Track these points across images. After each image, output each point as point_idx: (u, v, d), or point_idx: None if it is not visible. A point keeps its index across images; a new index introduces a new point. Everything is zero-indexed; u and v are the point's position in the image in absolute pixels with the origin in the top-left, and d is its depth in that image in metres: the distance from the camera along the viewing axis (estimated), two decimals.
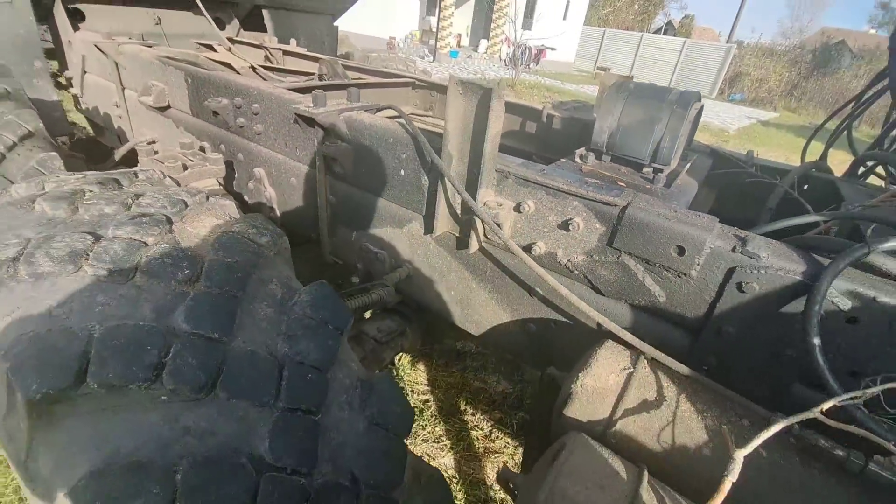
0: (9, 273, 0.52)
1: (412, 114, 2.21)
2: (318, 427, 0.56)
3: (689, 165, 1.44)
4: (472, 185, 1.00)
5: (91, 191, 0.71)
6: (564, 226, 0.96)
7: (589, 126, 1.86)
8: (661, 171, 1.21)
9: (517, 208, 1.00)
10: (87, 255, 0.56)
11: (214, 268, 0.61)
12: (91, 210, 0.65)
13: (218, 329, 0.55)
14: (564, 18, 22.12)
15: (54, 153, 1.52)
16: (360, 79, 2.11)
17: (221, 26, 3.30)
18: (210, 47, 2.82)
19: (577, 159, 1.30)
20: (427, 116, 2.26)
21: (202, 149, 1.67)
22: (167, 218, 0.68)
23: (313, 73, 2.35)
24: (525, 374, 2.24)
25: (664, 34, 34.62)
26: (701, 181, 1.47)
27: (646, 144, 1.22)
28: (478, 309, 1.19)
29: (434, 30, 17.50)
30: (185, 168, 1.54)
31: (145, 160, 1.66)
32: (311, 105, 1.25)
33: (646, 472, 0.61)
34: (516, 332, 1.14)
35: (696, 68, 23.59)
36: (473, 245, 1.07)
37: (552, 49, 19.41)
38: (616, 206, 0.89)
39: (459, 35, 20.09)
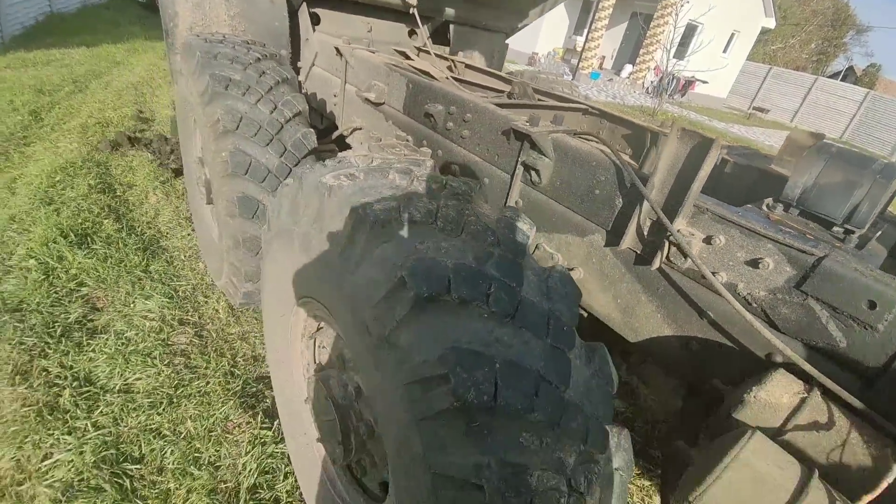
0: (394, 217, 0.84)
1: (583, 134, 2.40)
2: (569, 362, 0.79)
3: (879, 233, 1.44)
4: (668, 214, 1.17)
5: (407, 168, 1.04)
6: (753, 263, 1.08)
7: (766, 176, 1.89)
8: (853, 232, 1.26)
9: (707, 240, 1.14)
10: (436, 215, 0.86)
11: (506, 239, 0.89)
12: (421, 184, 0.97)
13: (514, 280, 0.82)
14: (725, 51, 20.44)
15: (311, 129, 2.00)
16: (541, 100, 2.36)
17: (413, 37, 3.83)
18: (405, 55, 3.31)
19: (764, 207, 1.39)
20: (592, 139, 2.44)
21: (418, 143, 2.04)
22: (471, 197, 0.99)
23: (497, 89, 2.66)
24: (640, 398, 2.31)
25: (843, 80, 30.10)
26: (889, 249, 1.46)
27: (841, 206, 1.28)
28: (641, 319, 1.35)
29: (578, 49, 17.38)
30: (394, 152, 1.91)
31: (367, 144, 2.09)
32: (528, 124, 1.51)
33: (816, 472, 0.74)
34: (676, 346, 1.27)
35: (878, 125, 20.25)
36: (655, 263, 1.24)
37: (704, 82, 18.09)
38: (813, 255, 1.00)
39: (603, 57, 19.69)
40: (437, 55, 3.50)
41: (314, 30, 3.11)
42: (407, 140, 2.05)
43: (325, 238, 0.94)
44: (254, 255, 1.90)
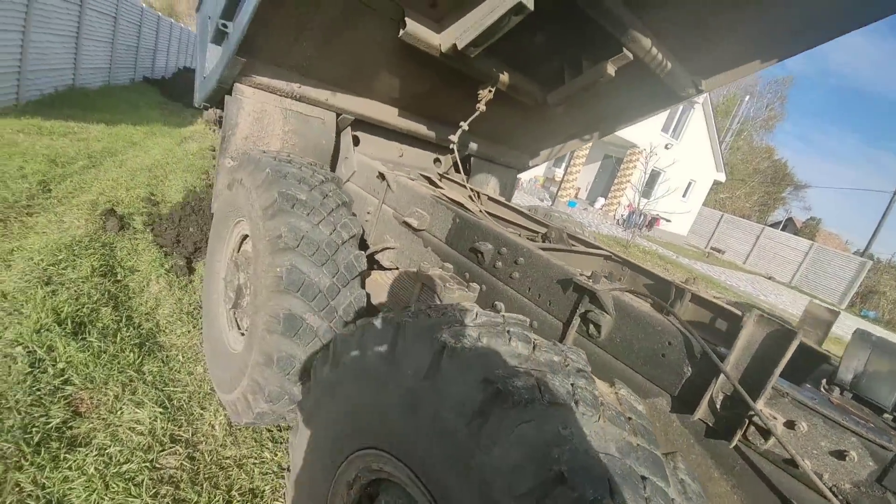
0: (536, 397, 0.83)
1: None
2: None
3: None
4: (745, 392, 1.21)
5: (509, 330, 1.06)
6: (839, 455, 1.10)
7: (803, 352, 2.00)
8: None
9: (790, 425, 1.16)
10: (574, 397, 0.86)
11: (641, 429, 0.89)
12: (544, 354, 0.98)
13: (663, 480, 0.80)
14: (684, 196, 22.98)
15: (363, 252, 2.04)
16: (573, 246, 2.53)
17: (438, 164, 4.17)
18: (430, 179, 3.58)
19: (822, 390, 1.45)
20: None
21: (460, 274, 2.10)
22: (588, 373, 1.00)
23: (528, 228, 2.86)
24: None
25: (783, 230, 33.85)
26: None
27: (890, 396, 1.35)
28: (713, 497, 1.30)
29: (557, 179, 19.18)
30: (445, 285, 1.95)
31: (409, 270, 2.13)
32: (590, 280, 1.59)
33: None
34: None
35: (824, 274, 22.42)
36: (733, 441, 1.23)
37: (667, 220, 19.98)
38: (892, 451, 1.03)
39: (579, 188, 21.71)
40: (459, 183, 3.79)
41: (354, 150, 3.36)
42: (450, 270, 2.11)
43: (441, 401, 0.91)
44: (284, 376, 1.79)
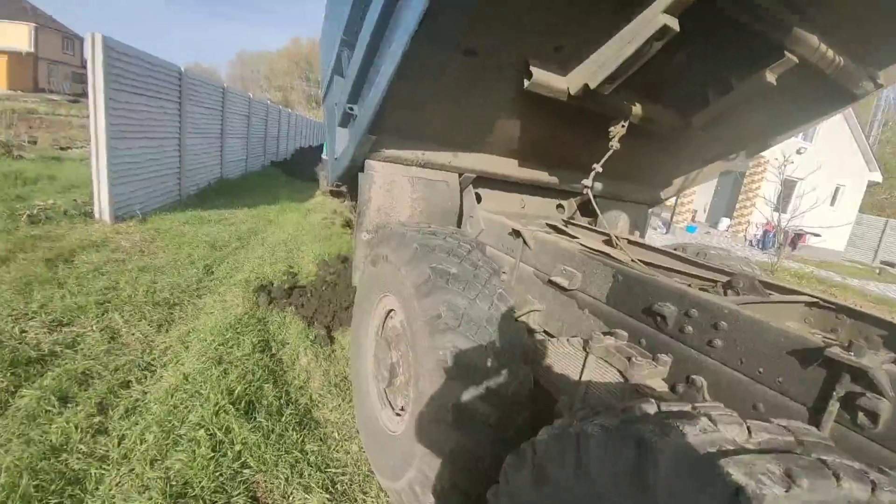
0: None
1: (818, 333, 2.03)
2: None
3: None
4: None
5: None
6: None
7: None
8: None
9: None
10: None
11: None
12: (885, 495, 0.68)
13: None
14: (832, 205, 19.55)
15: (522, 325, 1.86)
16: (769, 295, 2.09)
17: (562, 210, 3.96)
18: (556, 228, 3.36)
19: None
20: (833, 343, 2.04)
21: (634, 341, 1.81)
22: None
23: (695, 276, 2.46)
24: None
25: None
26: None
27: None
28: None
29: (669, 204, 17.62)
30: (629, 361, 1.66)
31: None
32: (850, 351, 1.21)
33: None
34: None
35: None
36: None
37: (816, 235, 17.01)
38: None
39: (695, 211, 19.71)
40: (590, 228, 3.51)
41: (478, 208, 3.31)
42: (624, 337, 1.82)
43: None
44: (458, 471, 1.63)
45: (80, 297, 3.56)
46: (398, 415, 2.18)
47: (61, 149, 11.07)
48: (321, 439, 2.53)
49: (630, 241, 3.19)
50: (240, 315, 3.81)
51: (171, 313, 3.72)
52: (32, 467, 1.97)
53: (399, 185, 2.89)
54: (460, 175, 3.17)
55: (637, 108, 2.68)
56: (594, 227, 3.47)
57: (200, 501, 1.99)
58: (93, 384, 2.67)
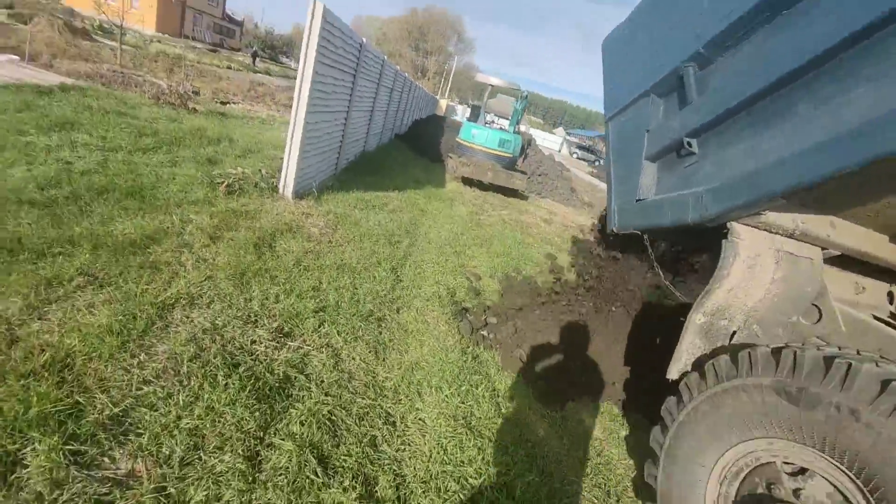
0: None
1: None
2: None
3: None
4: None
5: None
6: None
7: None
8: None
9: None
10: None
11: None
12: None
13: None
14: None
15: None
16: None
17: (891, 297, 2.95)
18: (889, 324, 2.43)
19: None
20: None
21: None
22: None
23: None
24: None
25: None
26: None
27: None
28: None
29: None
30: None
31: None
32: None
33: None
34: None
35: None
36: None
37: None
38: None
39: None
40: None
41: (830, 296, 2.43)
42: None
43: None
44: None
45: (293, 299, 3.25)
46: None
47: (221, 103, 11.54)
48: None
49: None
50: (451, 346, 3.32)
51: (380, 332, 3.31)
52: None
53: (763, 261, 2.10)
54: (823, 250, 2.30)
55: None
56: None
57: None
58: (342, 438, 2.27)
